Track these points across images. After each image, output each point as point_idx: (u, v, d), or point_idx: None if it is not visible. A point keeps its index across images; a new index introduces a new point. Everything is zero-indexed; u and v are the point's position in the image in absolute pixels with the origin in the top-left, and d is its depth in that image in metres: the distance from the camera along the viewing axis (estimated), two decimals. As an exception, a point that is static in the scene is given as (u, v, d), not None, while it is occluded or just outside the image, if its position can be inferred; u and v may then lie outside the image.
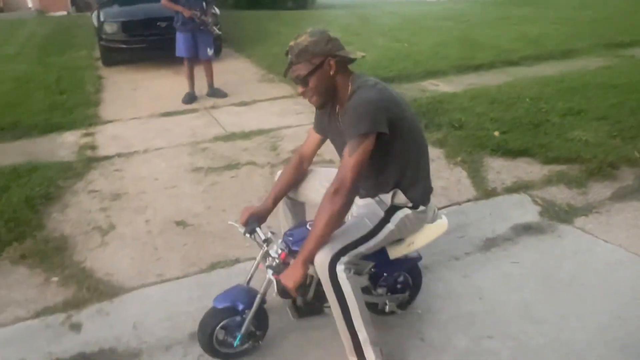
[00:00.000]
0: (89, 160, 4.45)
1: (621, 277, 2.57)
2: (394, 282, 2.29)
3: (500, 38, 8.36)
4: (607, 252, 2.79)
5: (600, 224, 3.07)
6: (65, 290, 2.67)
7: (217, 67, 7.67)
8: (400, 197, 2.01)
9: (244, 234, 2.17)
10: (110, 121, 5.61)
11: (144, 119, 5.64)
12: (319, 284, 1.99)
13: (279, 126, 5.11)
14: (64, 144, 4.95)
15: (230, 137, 4.94)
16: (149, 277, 2.75)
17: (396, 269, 2.25)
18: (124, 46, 7.52)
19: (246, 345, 2.16)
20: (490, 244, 2.96)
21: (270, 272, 1.97)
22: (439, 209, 3.21)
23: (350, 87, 1.94)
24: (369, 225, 1.97)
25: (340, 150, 2.06)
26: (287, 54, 1.95)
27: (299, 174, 2.26)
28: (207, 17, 5.85)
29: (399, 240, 2.09)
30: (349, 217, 2.09)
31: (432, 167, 3.79)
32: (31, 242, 3.15)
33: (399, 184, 2.01)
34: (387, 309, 2.26)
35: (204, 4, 5.87)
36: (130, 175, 4.16)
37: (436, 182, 3.62)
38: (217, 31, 6.17)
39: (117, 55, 7.72)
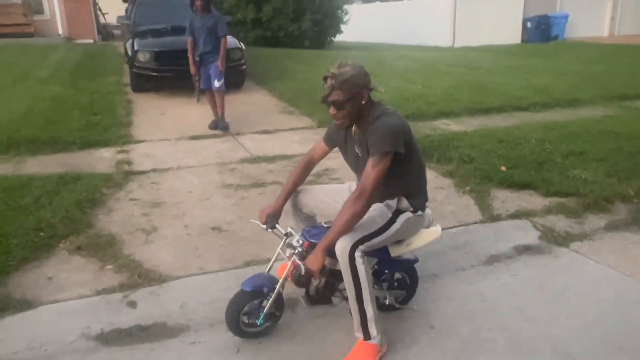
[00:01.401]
0: (126, 174, 4.87)
1: (606, 289, 2.91)
2: (393, 279, 2.66)
3: (510, 85, 8.85)
4: (596, 270, 3.14)
5: (592, 248, 3.41)
6: (120, 276, 3.04)
7: (240, 98, 8.26)
8: (404, 203, 2.44)
9: (266, 229, 2.54)
10: (142, 141, 6.06)
11: (172, 141, 6.09)
12: (329, 275, 2.38)
13: (300, 153, 5.53)
14: (102, 159, 5.39)
15: (255, 159, 5.37)
16: (191, 269, 3.12)
17: (396, 268, 2.62)
18: (155, 74, 8.05)
19: (267, 324, 2.47)
20: (493, 259, 3.30)
21: (295, 257, 2.31)
22: (448, 228, 3.59)
23: (372, 113, 2.33)
24: (380, 223, 2.36)
25: (352, 163, 2.54)
26: (325, 79, 2.28)
27: (305, 176, 2.66)
28: (220, 64, 6.25)
29: (399, 241, 2.49)
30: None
31: (443, 194, 4.26)
32: (84, 237, 3.54)
33: (404, 193, 2.43)
34: (386, 302, 2.60)
35: (222, 40, 6.26)
36: (166, 187, 4.57)
37: (446, 207, 4.03)
38: (197, 99, 6.85)
39: (147, 82, 8.25)
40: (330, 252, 2.23)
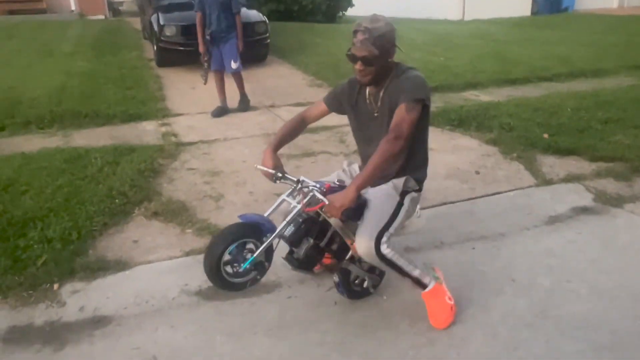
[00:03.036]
0: (177, 145, 4.98)
1: None
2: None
3: (531, 56, 8.92)
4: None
5: (647, 208, 3.58)
6: (202, 239, 3.18)
7: (265, 71, 8.29)
8: (411, 182, 2.35)
9: (274, 179, 2.31)
10: (181, 114, 6.14)
11: (209, 114, 6.17)
12: (311, 248, 2.22)
13: (340, 124, 5.61)
14: (146, 132, 5.48)
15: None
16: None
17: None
18: (182, 48, 8.05)
19: (253, 274, 2.22)
20: (553, 219, 3.45)
21: (317, 195, 2.09)
22: (505, 192, 3.76)
23: (394, 70, 2.25)
24: (391, 208, 2.28)
25: (362, 124, 2.40)
26: (355, 33, 2.15)
27: (298, 133, 2.52)
28: (240, 44, 5.90)
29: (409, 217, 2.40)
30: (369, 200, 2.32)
31: (491, 160, 4.41)
32: (157, 203, 3.67)
33: (413, 165, 2.36)
34: (365, 284, 2.55)
35: (237, 17, 5.87)
36: (219, 157, 4.69)
37: (497, 172, 4.17)
38: (205, 80, 6.05)
39: (173, 56, 8.26)
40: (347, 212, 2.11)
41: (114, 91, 6.72)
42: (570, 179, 4.01)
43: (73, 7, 14.71)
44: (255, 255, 2.15)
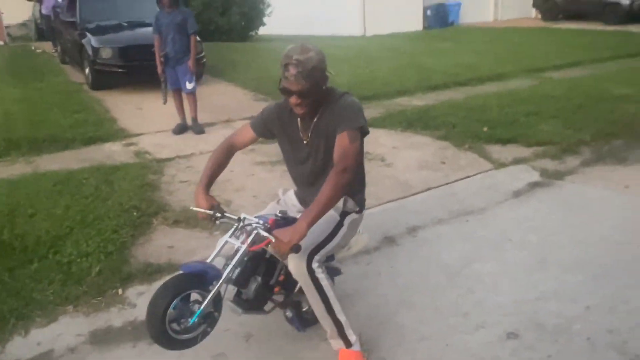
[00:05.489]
0: (157, 161, 5.13)
1: (603, 201, 4.02)
2: None
3: (442, 65, 10.00)
4: (594, 190, 4.22)
5: (582, 179, 4.48)
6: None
7: (205, 90, 8.50)
8: (350, 203, 2.29)
9: (213, 219, 2.15)
10: (141, 134, 6.21)
11: (169, 132, 6.31)
12: (260, 286, 2.19)
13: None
14: (115, 152, 5.53)
15: (266, 140, 5.82)
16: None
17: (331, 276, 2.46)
18: (120, 70, 8.04)
19: (203, 327, 2.06)
20: (517, 194, 4.21)
21: (262, 232, 1.99)
22: (471, 176, 4.46)
23: (327, 97, 2.17)
24: (329, 228, 2.21)
25: (293, 149, 2.31)
26: (286, 66, 2.04)
27: (228, 160, 2.38)
28: (192, 65, 5.98)
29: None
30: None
31: (449, 152, 5.11)
32: (172, 213, 3.88)
33: (352, 189, 2.26)
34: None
35: (192, 38, 5.99)
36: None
37: (459, 161, 4.89)
38: (164, 100, 6.16)
39: (109, 79, 8.21)
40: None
41: (62, 115, 6.60)
42: (517, 161, 4.82)
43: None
44: (202, 306, 1.98)
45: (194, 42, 6.07)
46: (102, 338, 2.62)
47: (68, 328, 2.67)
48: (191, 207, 2.25)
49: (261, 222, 2.05)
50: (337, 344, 2.29)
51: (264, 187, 4.36)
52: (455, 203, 4.02)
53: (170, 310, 1.93)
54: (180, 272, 2.03)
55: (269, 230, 1.99)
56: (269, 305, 2.39)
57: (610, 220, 3.64)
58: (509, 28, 17.47)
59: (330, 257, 2.41)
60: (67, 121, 6.39)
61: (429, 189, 4.27)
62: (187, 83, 6.07)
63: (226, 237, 2.13)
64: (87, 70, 8.40)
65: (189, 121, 6.34)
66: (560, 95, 7.03)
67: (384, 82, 8.51)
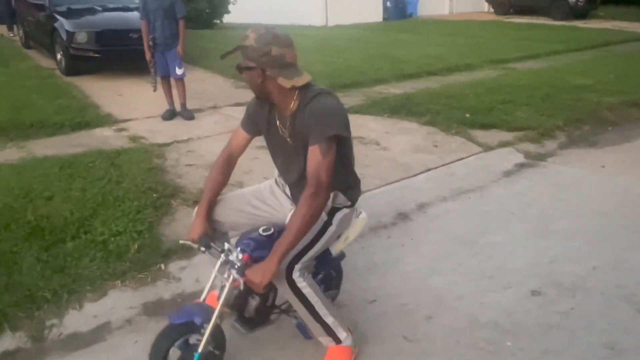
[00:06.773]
0: (157, 146, 5.17)
1: (585, 179, 4.45)
2: (329, 279, 2.52)
3: (411, 55, 10.38)
4: (574, 170, 4.67)
5: (561, 160, 4.94)
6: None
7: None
8: (340, 198, 2.15)
9: (199, 249, 2.16)
10: (129, 119, 6.19)
11: (158, 118, 6.31)
12: (259, 304, 2.18)
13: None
14: (108, 137, 5.52)
15: (259, 127, 5.97)
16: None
17: (330, 266, 2.48)
18: (96, 55, 7.87)
19: None
20: (507, 173, 4.59)
21: (233, 274, 1.98)
22: (463, 158, 4.80)
23: (298, 95, 2.03)
24: (312, 233, 2.05)
25: (276, 147, 2.21)
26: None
27: (227, 177, 2.30)
28: (181, 50, 5.99)
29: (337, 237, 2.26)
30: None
31: (438, 137, 5.46)
32: (189, 194, 3.98)
33: (343, 185, 2.15)
34: None
35: (180, 22, 5.97)
36: (206, 153, 5.01)
37: (450, 144, 5.22)
38: (154, 88, 6.22)
39: (84, 64, 8.04)
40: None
41: (43, 101, 6.47)
42: (503, 145, 5.21)
43: None
44: (200, 351, 1.98)
45: (183, 26, 6.04)
46: (155, 310, 2.74)
47: (119, 302, 2.78)
48: (180, 241, 2.38)
49: (238, 259, 2.00)
50: (326, 341, 2.24)
51: (272, 169, 4.50)
52: (455, 182, 4.33)
53: (170, 355, 2.00)
54: (169, 323, 2.05)
55: (241, 271, 1.97)
56: (274, 314, 2.37)
57: (594, 196, 4.07)
58: (464, 21, 18.18)
59: (326, 251, 2.27)
60: (51, 106, 6.28)
61: (428, 169, 4.57)
62: (176, 68, 6.07)
63: (215, 271, 2.12)
64: (59, 56, 8.19)
65: (178, 107, 6.38)
66: (526, 85, 7.52)
67: (359, 71, 8.78)
